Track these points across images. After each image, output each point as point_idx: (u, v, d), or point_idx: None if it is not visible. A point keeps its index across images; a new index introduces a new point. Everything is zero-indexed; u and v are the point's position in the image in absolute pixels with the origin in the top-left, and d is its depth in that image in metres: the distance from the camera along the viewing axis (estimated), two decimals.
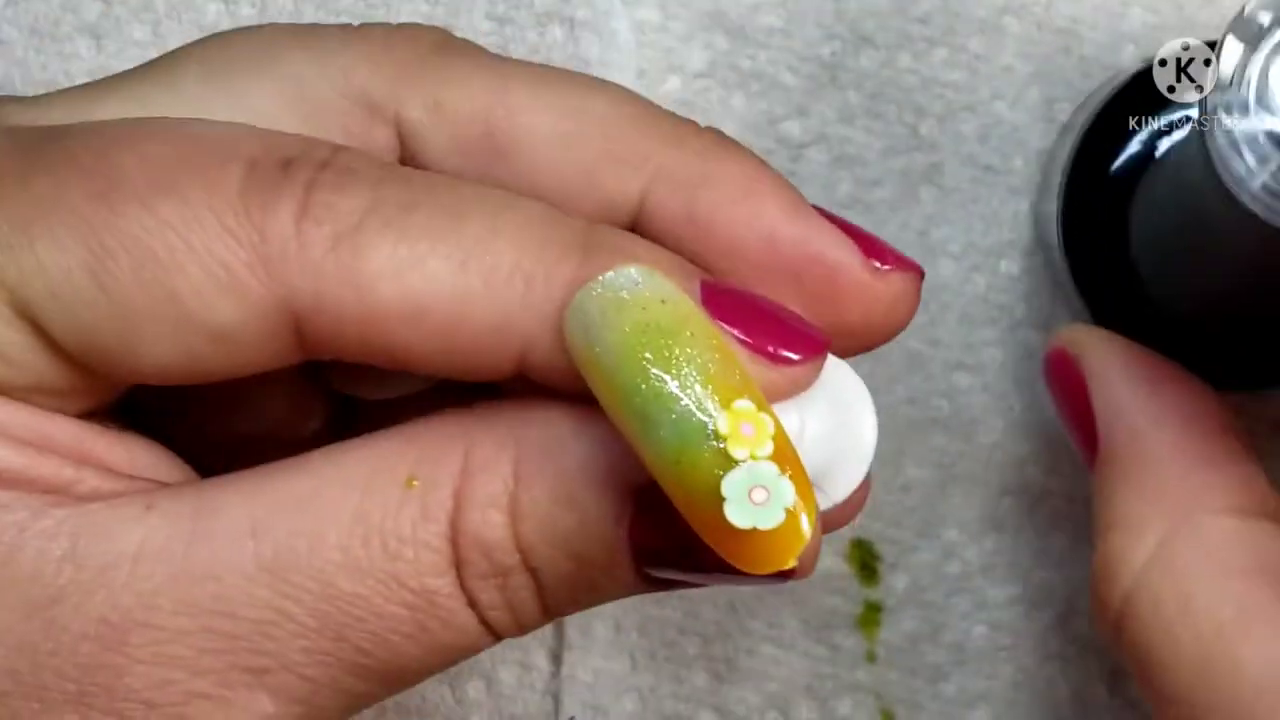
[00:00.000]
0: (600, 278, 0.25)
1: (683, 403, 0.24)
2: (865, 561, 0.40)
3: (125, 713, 0.25)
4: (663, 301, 0.25)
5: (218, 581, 0.25)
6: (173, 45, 0.41)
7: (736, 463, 0.23)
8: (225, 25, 0.41)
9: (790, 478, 0.24)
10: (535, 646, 0.40)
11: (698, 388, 0.24)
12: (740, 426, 0.24)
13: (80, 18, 0.41)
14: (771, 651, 0.40)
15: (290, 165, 0.25)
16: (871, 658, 0.40)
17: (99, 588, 0.25)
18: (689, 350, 0.24)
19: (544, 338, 0.25)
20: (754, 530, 0.23)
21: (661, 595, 0.40)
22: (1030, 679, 0.40)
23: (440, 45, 0.29)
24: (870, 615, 0.40)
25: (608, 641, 0.40)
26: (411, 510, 0.25)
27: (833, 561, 0.40)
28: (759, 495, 0.23)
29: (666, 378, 0.24)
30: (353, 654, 0.26)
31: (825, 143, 0.40)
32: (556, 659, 0.40)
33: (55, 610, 0.25)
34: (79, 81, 0.40)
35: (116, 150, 0.26)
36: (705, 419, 0.24)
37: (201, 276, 0.25)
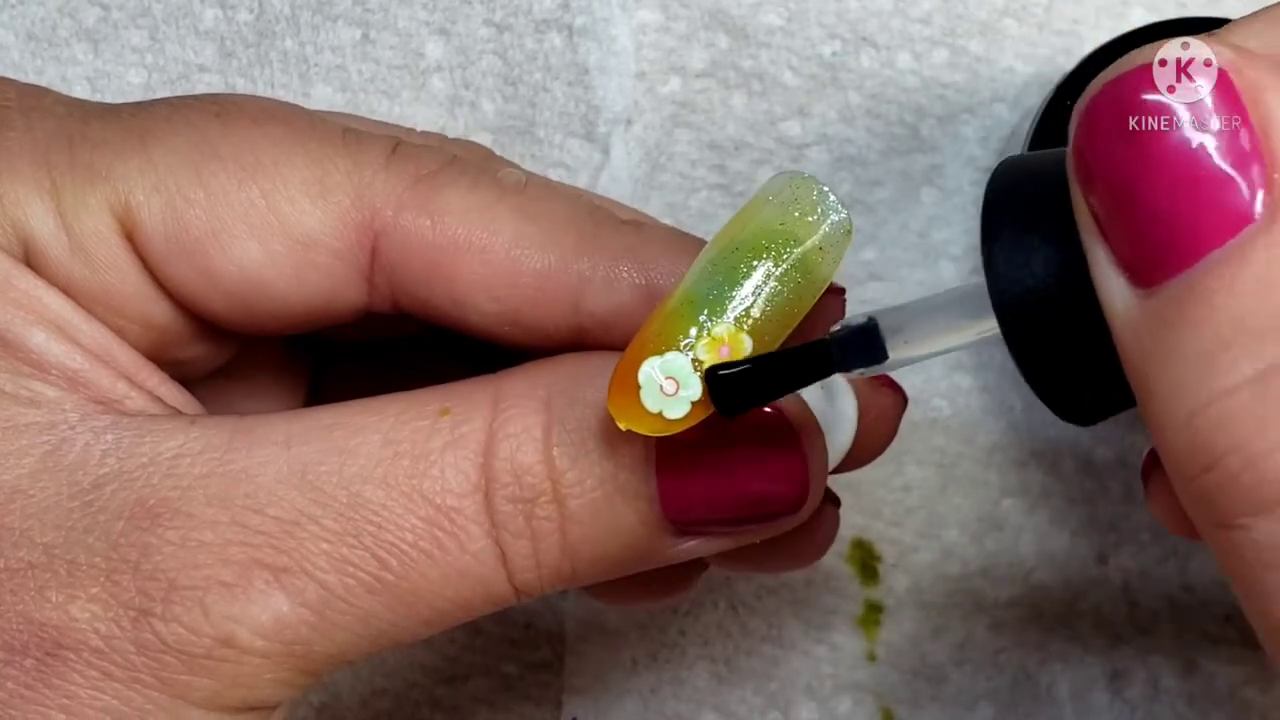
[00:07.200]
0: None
1: None
2: (865, 562, 0.40)
3: (148, 590, 0.26)
4: None
5: (250, 481, 0.26)
6: (170, 51, 0.41)
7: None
8: (223, 30, 0.41)
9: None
10: (537, 648, 0.40)
11: None
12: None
13: (78, 22, 0.41)
14: (772, 652, 0.40)
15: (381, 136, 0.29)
16: (872, 658, 0.40)
17: (139, 478, 0.26)
18: None
19: (596, 280, 0.28)
20: None
21: None
22: (1030, 679, 0.40)
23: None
24: (870, 615, 0.40)
25: (608, 644, 0.40)
26: (443, 434, 0.27)
27: (833, 562, 0.40)
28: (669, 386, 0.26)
29: None
30: (371, 564, 0.27)
31: (826, 143, 0.40)
32: (558, 661, 0.40)
33: (95, 494, 0.26)
34: (76, 87, 0.40)
35: (230, 96, 0.30)
36: None
37: (296, 184, 0.28)
